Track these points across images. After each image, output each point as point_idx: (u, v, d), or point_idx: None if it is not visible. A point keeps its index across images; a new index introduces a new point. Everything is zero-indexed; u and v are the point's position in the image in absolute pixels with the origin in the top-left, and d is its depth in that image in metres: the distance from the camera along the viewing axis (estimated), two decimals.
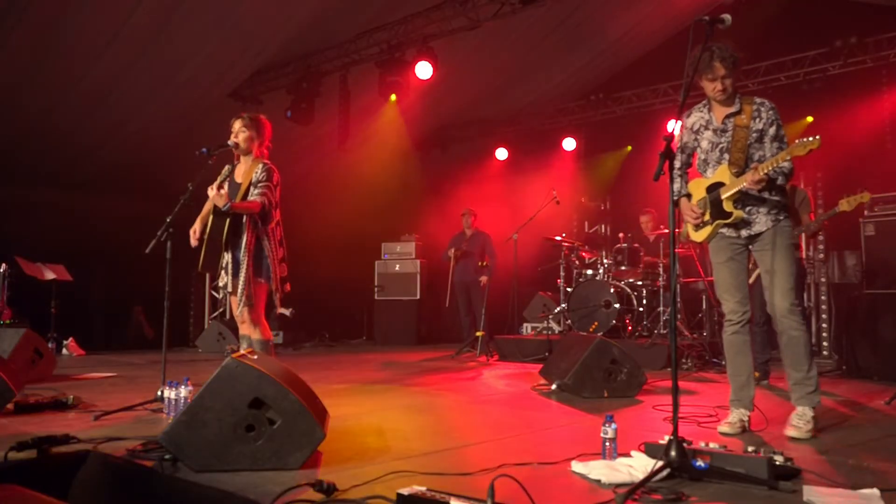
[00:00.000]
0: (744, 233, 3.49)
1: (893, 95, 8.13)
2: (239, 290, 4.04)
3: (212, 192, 3.91)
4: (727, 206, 3.45)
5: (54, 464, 2.72)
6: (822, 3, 8.17)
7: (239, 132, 4.17)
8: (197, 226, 4.13)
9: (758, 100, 3.48)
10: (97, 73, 7.64)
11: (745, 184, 3.32)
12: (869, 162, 7.61)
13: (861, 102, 8.06)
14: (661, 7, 8.51)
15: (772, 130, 3.42)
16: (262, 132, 4.23)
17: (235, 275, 4.07)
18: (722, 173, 3.47)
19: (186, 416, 2.58)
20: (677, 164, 3.61)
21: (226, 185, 3.99)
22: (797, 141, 3.22)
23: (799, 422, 3.29)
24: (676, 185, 3.59)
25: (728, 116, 3.47)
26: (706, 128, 3.55)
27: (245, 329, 4.16)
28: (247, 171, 4.16)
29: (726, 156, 3.47)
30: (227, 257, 4.10)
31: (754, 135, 3.41)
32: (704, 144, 3.56)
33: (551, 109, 11.01)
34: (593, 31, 8.88)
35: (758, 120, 3.42)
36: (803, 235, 5.42)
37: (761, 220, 3.45)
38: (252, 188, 4.08)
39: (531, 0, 7.14)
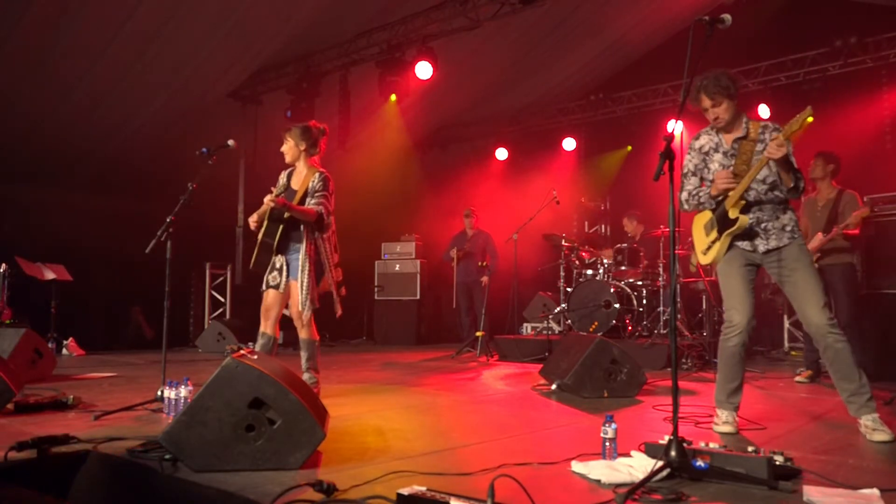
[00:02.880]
0: (760, 246, 3.43)
1: (893, 95, 8.13)
2: (301, 295, 4.18)
3: (268, 200, 4.07)
4: (732, 213, 3.41)
5: (54, 464, 2.72)
6: (822, 3, 8.18)
7: (284, 145, 4.35)
8: (254, 216, 4.25)
9: (763, 122, 3.45)
10: (97, 73, 7.65)
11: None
12: (869, 162, 7.60)
13: (861, 102, 8.07)
14: (661, 7, 8.51)
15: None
16: (308, 137, 4.35)
17: (292, 277, 4.22)
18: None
19: (186, 416, 2.58)
20: (690, 187, 3.59)
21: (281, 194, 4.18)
22: (792, 120, 3.16)
23: (875, 424, 3.23)
24: (702, 198, 3.55)
25: (737, 140, 3.46)
26: (716, 150, 3.52)
27: (269, 327, 4.27)
28: (303, 179, 4.30)
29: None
30: (280, 259, 4.25)
31: (760, 146, 3.38)
32: (714, 166, 3.52)
33: (551, 109, 11.02)
34: (593, 31, 8.89)
35: (763, 135, 3.40)
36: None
37: (776, 235, 3.41)
38: (308, 197, 4.22)
39: (531, 0, 7.14)
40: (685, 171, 3.63)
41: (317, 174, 4.29)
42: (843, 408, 3.38)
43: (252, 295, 5.01)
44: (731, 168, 3.43)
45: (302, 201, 4.22)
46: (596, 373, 4.65)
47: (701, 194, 3.57)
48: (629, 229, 8.38)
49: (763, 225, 3.43)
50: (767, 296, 8.05)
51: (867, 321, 5.82)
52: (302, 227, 4.22)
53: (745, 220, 3.39)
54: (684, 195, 3.62)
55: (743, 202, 3.40)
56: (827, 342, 3.33)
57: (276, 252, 4.24)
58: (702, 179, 3.61)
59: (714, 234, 3.54)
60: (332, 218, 4.36)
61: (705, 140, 3.58)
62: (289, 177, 4.42)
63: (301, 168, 4.37)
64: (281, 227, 4.18)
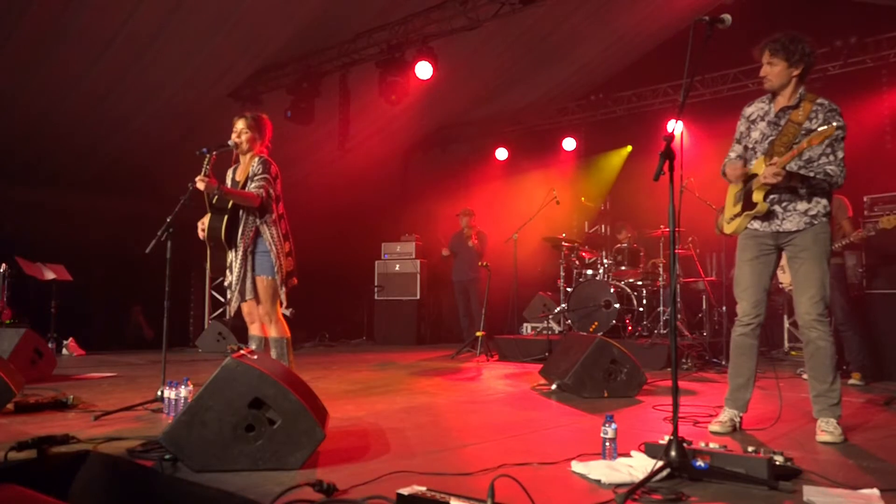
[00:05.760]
0: (774, 227, 3.38)
1: (893, 95, 8.13)
2: (235, 286, 4.01)
3: (198, 179, 3.83)
4: (755, 197, 3.38)
5: (54, 464, 2.72)
6: (822, 3, 8.17)
7: (242, 132, 4.14)
8: (205, 218, 4.08)
9: (821, 100, 3.34)
10: (97, 74, 7.64)
11: (762, 178, 3.27)
12: (869, 162, 7.59)
13: (861, 102, 8.06)
14: (661, 7, 8.51)
15: None
16: (264, 131, 4.21)
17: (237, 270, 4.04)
18: (759, 165, 3.41)
19: (186, 416, 2.58)
20: (733, 154, 3.59)
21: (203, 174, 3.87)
22: (817, 130, 3.18)
23: (828, 426, 3.21)
24: (725, 171, 3.57)
25: (784, 109, 3.40)
26: (762, 118, 3.48)
27: (256, 329, 4.16)
28: (244, 167, 4.16)
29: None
30: (231, 255, 4.07)
31: (803, 132, 3.30)
32: (755, 135, 3.48)
33: (551, 109, 11.01)
34: (593, 31, 8.88)
35: (814, 120, 3.30)
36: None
37: (795, 219, 3.34)
38: (249, 182, 4.05)
39: (531, 0, 7.14)
40: (735, 136, 3.64)
41: (256, 158, 4.09)
42: (841, 408, 3.37)
43: None
44: (771, 139, 3.38)
45: (243, 189, 4.04)
46: (596, 373, 4.65)
47: (727, 166, 3.56)
48: (622, 238, 8.41)
49: (784, 205, 3.37)
50: None
51: (867, 321, 5.82)
52: (241, 213, 3.99)
53: (765, 206, 3.37)
54: (726, 160, 3.62)
55: (768, 186, 3.34)
56: (810, 336, 3.33)
57: (228, 246, 4.01)
58: (745, 148, 3.57)
59: (738, 208, 3.53)
60: (280, 204, 4.14)
61: (755, 108, 3.55)
62: (234, 172, 4.24)
63: (245, 158, 4.18)
64: (226, 217, 3.95)
